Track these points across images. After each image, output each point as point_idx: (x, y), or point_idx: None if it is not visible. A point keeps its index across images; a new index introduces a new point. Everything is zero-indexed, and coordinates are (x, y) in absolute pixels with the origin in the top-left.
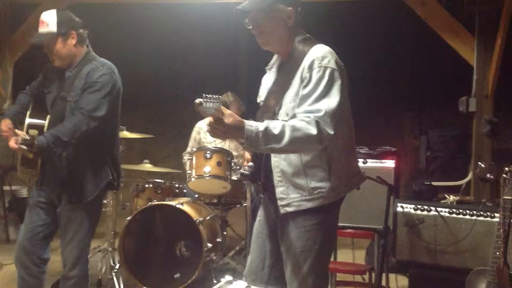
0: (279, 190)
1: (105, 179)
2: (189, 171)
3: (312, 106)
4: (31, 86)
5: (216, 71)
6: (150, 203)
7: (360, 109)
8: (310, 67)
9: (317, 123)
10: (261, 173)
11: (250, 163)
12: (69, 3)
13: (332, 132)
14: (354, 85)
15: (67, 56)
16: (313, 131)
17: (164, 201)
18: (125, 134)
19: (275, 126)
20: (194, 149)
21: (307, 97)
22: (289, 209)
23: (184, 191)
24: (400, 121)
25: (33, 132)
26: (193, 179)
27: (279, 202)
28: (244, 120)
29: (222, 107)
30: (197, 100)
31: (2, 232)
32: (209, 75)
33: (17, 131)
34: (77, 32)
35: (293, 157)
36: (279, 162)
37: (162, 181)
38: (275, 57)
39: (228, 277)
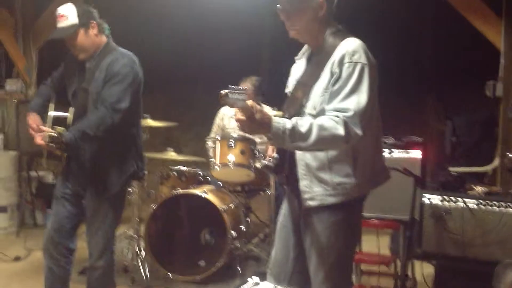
0: (303, 184)
1: (130, 170)
2: (212, 160)
3: (341, 104)
4: (52, 77)
5: (237, 55)
6: (174, 192)
7: (383, 94)
8: (340, 62)
9: (346, 124)
10: (286, 165)
11: (275, 155)
12: None
13: (360, 133)
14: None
15: (91, 47)
16: (341, 131)
17: (188, 188)
18: (149, 122)
19: (302, 124)
20: (218, 137)
21: (336, 93)
22: (312, 203)
23: (208, 178)
24: (424, 105)
25: (59, 129)
26: (217, 168)
27: (303, 196)
28: (272, 116)
29: (252, 102)
30: (223, 91)
31: (29, 218)
32: (230, 59)
33: (42, 127)
34: (96, 21)
35: (318, 151)
36: (303, 156)
37: (187, 168)
38: (305, 47)
39: (255, 278)
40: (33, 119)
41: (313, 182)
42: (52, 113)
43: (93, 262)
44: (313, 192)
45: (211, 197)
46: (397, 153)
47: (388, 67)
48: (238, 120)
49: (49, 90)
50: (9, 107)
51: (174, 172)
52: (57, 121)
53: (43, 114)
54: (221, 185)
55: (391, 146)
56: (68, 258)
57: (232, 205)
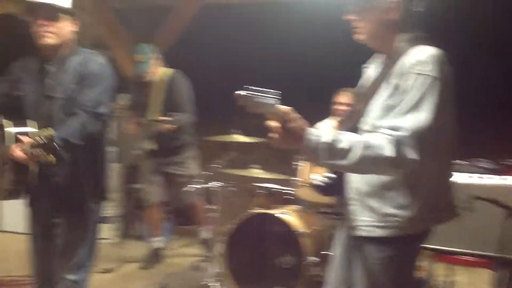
0: (350, 209)
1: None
2: (299, 178)
3: (396, 121)
4: None
5: (336, 68)
6: (253, 212)
7: (483, 110)
8: (404, 73)
9: (397, 144)
10: (339, 186)
11: (329, 174)
12: (200, 5)
13: (415, 157)
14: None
15: (62, 39)
16: (389, 152)
17: (272, 208)
18: (237, 138)
19: (342, 140)
20: None
21: (393, 108)
22: (358, 233)
23: (296, 198)
24: None
25: (45, 131)
26: (301, 187)
27: (350, 223)
28: (307, 127)
29: (287, 108)
30: (243, 92)
31: (132, 229)
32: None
33: (20, 137)
34: (79, 23)
35: (366, 174)
36: (354, 178)
37: (273, 187)
38: (376, 54)
39: None
40: None
41: (360, 209)
42: (12, 129)
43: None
44: (359, 220)
45: (289, 218)
46: (490, 179)
47: (490, 80)
48: (269, 128)
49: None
50: (120, 121)
51: (260, 190)
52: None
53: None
54: (307, 204)
55: (484, 170)
56: None
57: (316, 228)
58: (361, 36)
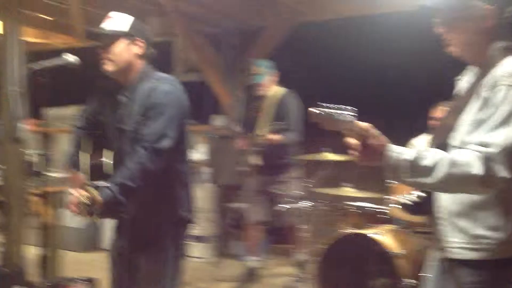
0: (439, 229)
1: (177, 215)
2: (390, 196)
3: (485, 136)
4: (83, 117)
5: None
6: (344, 231)
7: None
8: (494, 85)
9: (486, 162)
10: (429, 205)
11: (418, 192)
12: (293, 23)
13: (506, 175)
14: None
15: (123, 64)
16: (477, 170)
17: (364, 228)
18: (329, 156)
19: (426, 156)
20: None
21: (481, 123)
22: (448, 255)
23: (392, 217)
24: None
25: (91, 191)
26: (395, 205)
27: (438, 244)
28: (387, 143)
29: (367, 124)
30: (316, 110)
31: (226, 248)
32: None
33: (75, 192)
34: (146, 44)
35: (453, 193)
36: (442, 196)
37: (366, 205)
38: (469, 66)
39: None
40: (77, 180)
41: (449, 229)
42: (89, 161)
43: None
44: (448, 242)
45: (386, 238)
46: None
47: None
48: (348, 145)
49: (80, 134)
50: (214, 143)
51: (352, 210)
52: (96, 170)
53: (78, 165)
54: (403, 225)
55: None
56: None
57: (412, 249)
58: (453, 48)
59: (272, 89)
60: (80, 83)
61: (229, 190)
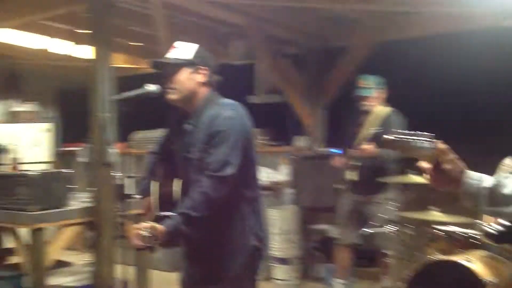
0: None
1: (248, 247)
2: (481, 221)
3: None
4: (159, 145)
5: None
6: (431, 257)
7: None
8: None
9: None
10: None
11: (502, 221)
12: (375, 42)
13: None
14: None
15: (187, 92)
16: None
17: (454, 254)
18: (415, 178)
19: (506, 185)
20: None
21: None
22: None
23: (485, 242)
24: None
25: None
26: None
27: None
28: (465, 169)
29: (441, 145)
30: (391, 136)
31: (309, 270)
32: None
33: (136, 226)
34: (209, 71)
35: None
36: None
37: (455, 229)
38: None
39: None
40: (147, 205)
41: None
42: (157, 190)
43: None
44: None
45: (477, 266)
46: None
47: None
48: (422, 169)
49: (154, 161)
50: (297, 164)
51: (441, 234)
52: (166, 198)
53: (149, 190)
54: (497, 251)
55: None
56: None
57: (508, 277)
58: None
59: (378, 107)
60: (166, 107)
61: (312, 211)
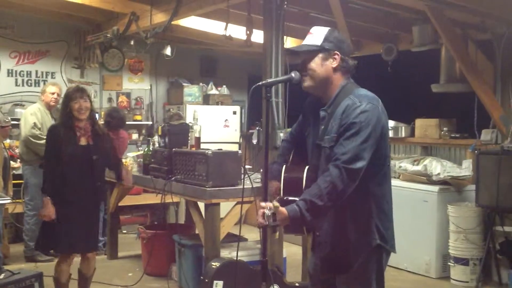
0: None
1: (371, 243)
2: None
3: None
4: (292, 130)
5: None
6: None
7: None
8: None
9: None
10: None
11: None
12: None
13: None
14: None
15: (320, 78)
16: None
17: None
18: None
19: None
20: None
21: None
22: None
23: None
24: None
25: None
26: None
27: None
28: None
29: None
30: None
31: (495, 275)
32: None
33: (262, 204)
34: (342, 56)
35: None
36: None
37: None
38: None
39: None
40: (271, 189)
41: None
42: (283, 175)
43: None
44: None
45: None
46: None
47: None
48: None
49: (288, 147)
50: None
51: None
52: (291, 184)
53: (279, 175)
54: None
55: None
56: None
57: None
58: None
59: None
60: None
61: (496, 211)
